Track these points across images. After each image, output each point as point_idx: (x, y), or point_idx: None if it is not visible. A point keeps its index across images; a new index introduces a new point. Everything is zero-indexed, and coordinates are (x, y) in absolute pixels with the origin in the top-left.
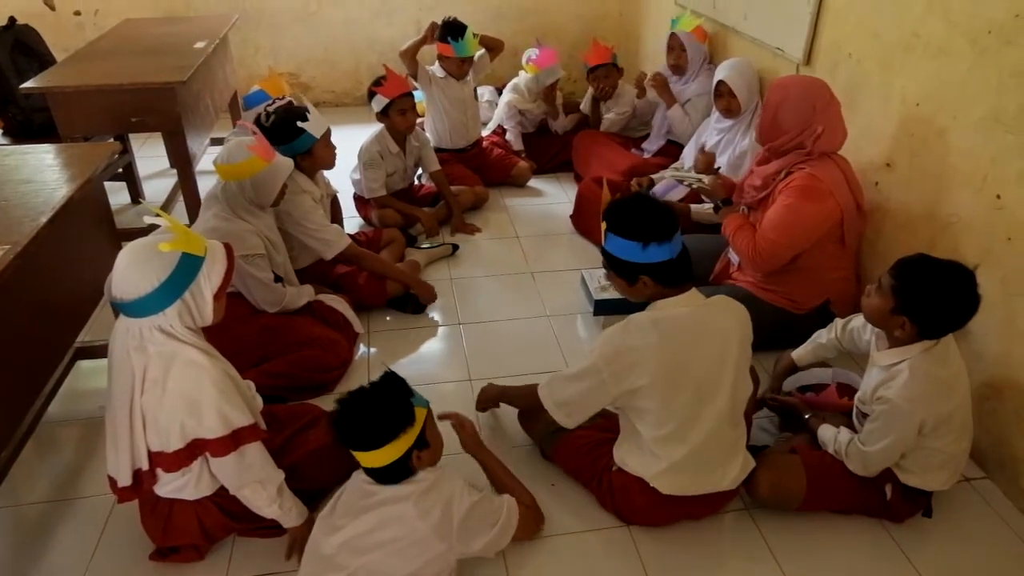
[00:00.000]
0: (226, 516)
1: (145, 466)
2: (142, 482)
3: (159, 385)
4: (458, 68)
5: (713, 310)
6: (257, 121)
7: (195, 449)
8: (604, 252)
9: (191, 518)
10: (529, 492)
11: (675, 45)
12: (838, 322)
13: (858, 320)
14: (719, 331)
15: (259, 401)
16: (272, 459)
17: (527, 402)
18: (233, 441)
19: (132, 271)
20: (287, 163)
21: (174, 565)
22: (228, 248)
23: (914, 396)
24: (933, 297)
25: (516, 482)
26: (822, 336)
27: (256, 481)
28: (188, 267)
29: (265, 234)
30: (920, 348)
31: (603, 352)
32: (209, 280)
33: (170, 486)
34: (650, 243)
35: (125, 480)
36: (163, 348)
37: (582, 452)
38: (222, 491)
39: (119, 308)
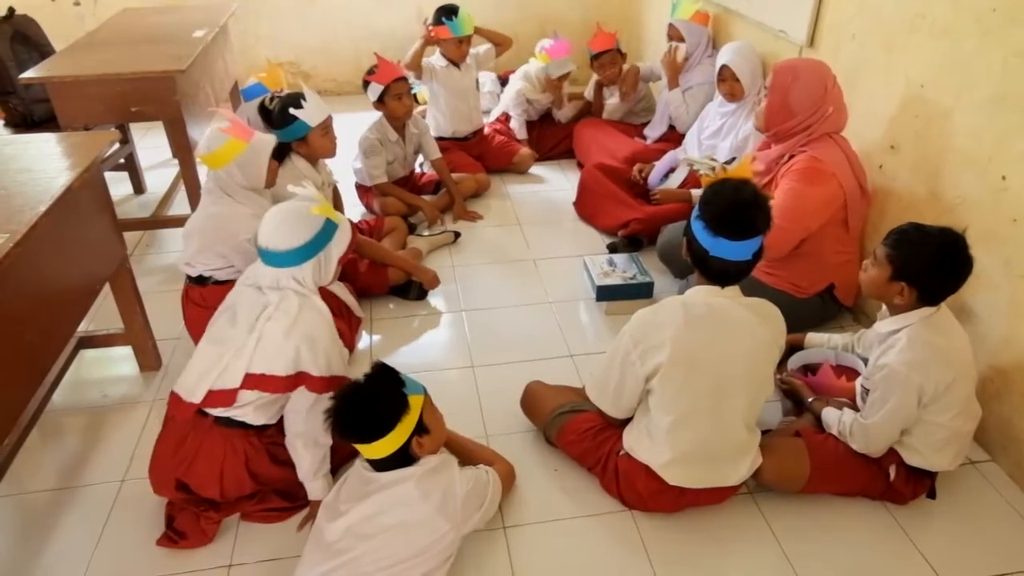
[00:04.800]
0: (252, 471)
1: (227, 387)
2: (207, 403)
3: (290, 316)
4: (457, 49)
5: (749, 311)
6: (261, 106)
7: (298, 380)
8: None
9: (214, 466)
10: (497, 453)
11: (673, 35)
12: (857, 334)
13: (874, 328)
14: (751, 331)
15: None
16: None
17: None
18: (329, 384)
19: (286, 227)
20: (268, 139)
21: (179, 551)
22: (351, 222)
23: (912, 361)
24: (927, 258)
25: (485, 449)
26: (837, 335)
27: (313, 436)
28: (328, 231)
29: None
30: (919, 316)
31: (632, 331)
32: (339, 245)
33: (238, 410)
34: (720, 235)
35: (197, 398)
36: (298, 290)
37: (588, 436)
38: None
39: (264, 256)
